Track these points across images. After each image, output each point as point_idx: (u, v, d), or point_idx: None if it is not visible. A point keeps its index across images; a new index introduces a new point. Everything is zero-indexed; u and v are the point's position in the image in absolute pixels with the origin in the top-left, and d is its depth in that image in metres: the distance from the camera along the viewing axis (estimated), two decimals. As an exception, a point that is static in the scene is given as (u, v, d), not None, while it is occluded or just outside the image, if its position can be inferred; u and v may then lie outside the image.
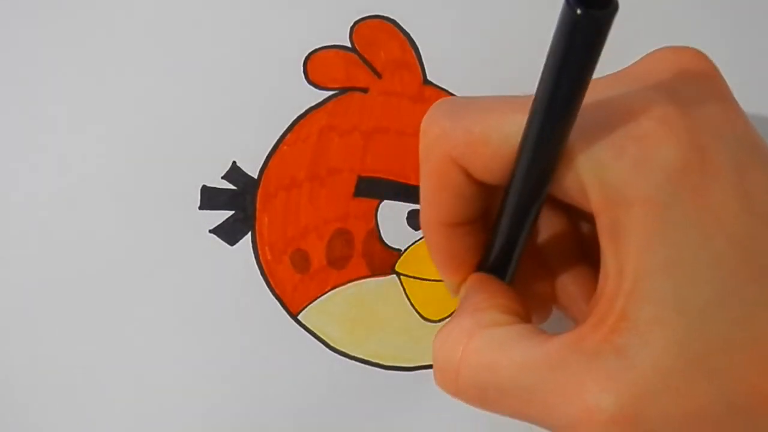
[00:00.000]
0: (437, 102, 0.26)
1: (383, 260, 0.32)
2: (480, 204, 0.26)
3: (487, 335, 0.23)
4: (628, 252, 0.21)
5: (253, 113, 0.32)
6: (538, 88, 0.22)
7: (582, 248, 0.28)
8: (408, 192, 0.32)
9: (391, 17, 0.32)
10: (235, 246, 0.32)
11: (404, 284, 0.32)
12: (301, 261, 0.32)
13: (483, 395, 0.23)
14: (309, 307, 0.32)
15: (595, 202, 0.22)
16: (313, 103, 0.32)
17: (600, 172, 0.22)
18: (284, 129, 0.32)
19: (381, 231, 0.32)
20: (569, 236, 0.29)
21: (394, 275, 0.32)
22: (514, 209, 0.24)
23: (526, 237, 0.26)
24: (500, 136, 0.23)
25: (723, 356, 0.21)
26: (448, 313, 0.32)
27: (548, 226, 0.29)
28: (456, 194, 0.25)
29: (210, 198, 0.32)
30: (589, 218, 0.23)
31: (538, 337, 0.23)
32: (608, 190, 0.22)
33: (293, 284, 0.32)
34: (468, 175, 0.25)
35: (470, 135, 0.24)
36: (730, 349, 0.21)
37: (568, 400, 0.21)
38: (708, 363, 0.21)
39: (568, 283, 0.28)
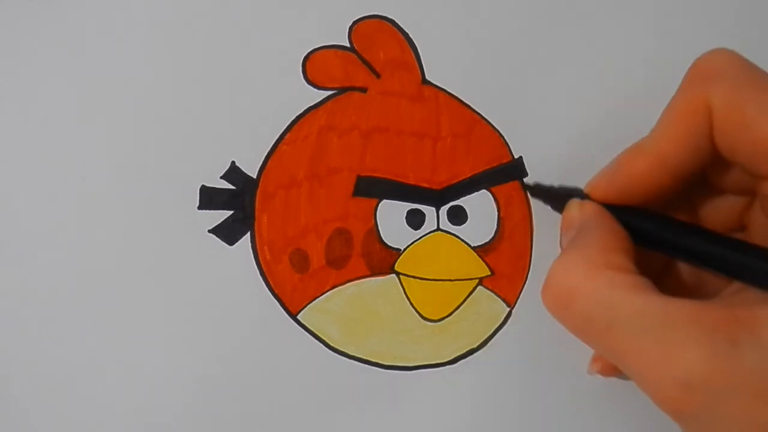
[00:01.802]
0: (727, 53, 0.26)
1: (382, 260, 0.32)
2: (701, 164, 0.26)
3: (614, 276, 0.24)
4: None
5: (252, 113, 0.32)
6: None
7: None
8: (407, 191, 0.32)
9: (390, 17, 0.32)
10: (234, 246, 0.32)
11: (404, 284, 0.32)
12: (301, 261, 0.32)
13: (587, 325, 0.24)
14: (308, 306, 0.32)
15: None
16: (312, 103, 0.32)
17: None
18: (283, 129, 0.32)
19: (380, 230, 0.32)
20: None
21: (394, 275, 0.32)
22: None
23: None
24: None
25: None
26: (448, 313, 0.32)
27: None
28: (694, 143, 0.26)
29: (209, 198, 0.32)
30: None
31: (660, 293, 0.24)
32: None
33: (292, 284, 0.32)
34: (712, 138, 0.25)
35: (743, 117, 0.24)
36: None
37: (669, 355, 0.22)
38: None
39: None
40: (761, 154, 0.24)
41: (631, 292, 0.24)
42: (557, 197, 0.29)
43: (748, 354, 0.22)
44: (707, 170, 0.27)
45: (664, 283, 0.28)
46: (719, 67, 0.25)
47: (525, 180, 0.32)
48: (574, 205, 0.28)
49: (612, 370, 0.30)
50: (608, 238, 0.26)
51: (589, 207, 0.28)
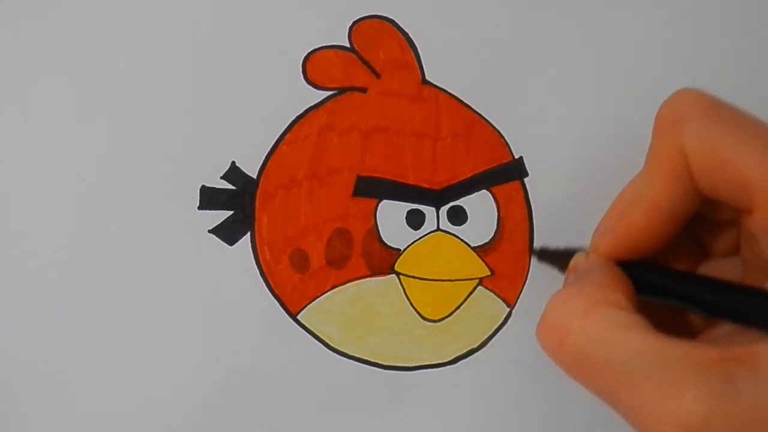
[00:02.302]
0: (691, 94, 0.26)
1: (382, 260, 0.32)
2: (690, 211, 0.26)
3: (611, 312, 0.24)
4: None
5: (252, 113, 0.32)
6: None
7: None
8: (407, 191, 0.32)
9: (390, 17, 0.32)
10: (234, 246, 0.32)
11: (404, 284, 0.32)
12: (301, 261, 0.32)
13: (582, 363, 0.24)
14: (308, 306, 0.32)
15: None
16: (312, 103, 0.32)
17: None
18: (283, 129, 0.32)
19: (380, 230, 0.32)
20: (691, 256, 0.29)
21: (394, 275, 0.32)
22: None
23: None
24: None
25: None
26: (448, 313, 0.32)
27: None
28: (682, 188, 0.26)
29: (209, 198, 0.32)
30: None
31: (657, 333, 0.23)
32: None
33: (293, 284, 0.32)
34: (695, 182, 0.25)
35: (717, 159, 0.24)
36: None
37: (665, 395, 0.22)
38: None
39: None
40: (740, 192, 0.24)
41: (627, 331, 0.23)
42: (564, 258, 0.29)
43: (747, 392, 0.21)
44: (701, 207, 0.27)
45: (662, 321, 0.28)
46: (686, 111, 0.25)
47: (533, 246, 0.32)
48: (580, 256, 0.28)
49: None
50: (607, 277, 0.26)
51: (594, 256, 0.28)
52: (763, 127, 0.25)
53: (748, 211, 0.25)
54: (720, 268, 0.28)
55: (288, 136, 0.32)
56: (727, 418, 0.21)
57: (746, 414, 0.21)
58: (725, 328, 0.25)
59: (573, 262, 0.28)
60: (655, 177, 0.26)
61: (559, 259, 0.30)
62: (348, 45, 0.32)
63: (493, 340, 0.32)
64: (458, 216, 0.32)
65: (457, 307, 0.32)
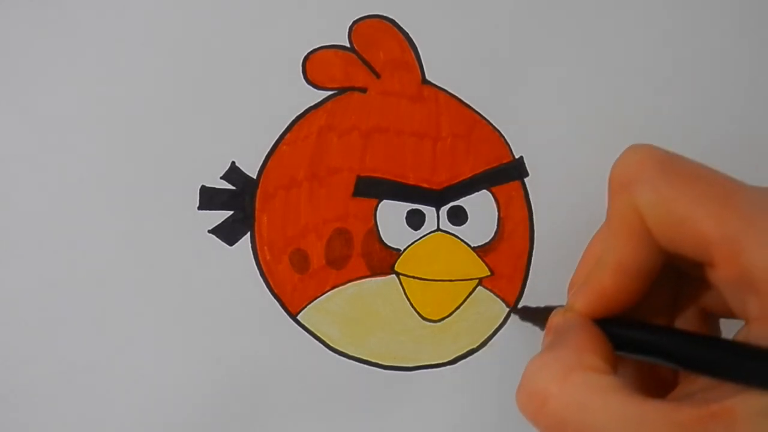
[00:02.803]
0: (642, 152, 0.26)
1: (382, 260, 0.32)
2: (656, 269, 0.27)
3: (588, 377, 0.24)
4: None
5: (252, 113, 0.32)
6: None
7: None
8: (407, 192, 0.32)
9: (390, 17, 0.32)
10: (234, 246, 0.32)
11: (404, 284, 0.32)
12: (301, 261, 0.32)
13: (562, 428, 0.24)
14: (308, 306, 0.32)
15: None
16: (312, 103, 0.32)
17: None
18: (283, 129, 0.32)
19: (380, 231, 0.32)
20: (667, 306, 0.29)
21: (394, 275, 0.32)
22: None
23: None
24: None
25: None
26: (448, 313, 0.32)
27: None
28: (644, 246, 0.26)
29: (209, 198, 0.32)
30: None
31: (635, 394, 0.23)
32: None
33: (293, 284, 0.32)
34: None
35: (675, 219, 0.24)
36: None
37: None
38: None
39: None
40: (699, 247, 0.24)
41: (605, 395, 0.23)
42: (545, 315, 0.29)
43: None
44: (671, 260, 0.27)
45: (640, 372, 0.28)
46: (637, 172, 0.25)
47: (515, 307, 0.32)
48: (558, 313, 0.28)
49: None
50: (584, 338, 0.26)
51: (570, 315, 0.28)
52: (719, 179, 0.25)
53: (709, 265, 0.25)
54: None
55: (288, 136, 0.32)
56: None
57: None
58: (702, 381, 0.25)
59: (550, 320, 0.28)
60: (617, 237, 0.26)
61: (541, 315, 0.30)
62: (348, 45, 0.32)
63: (492, 340, 0.32)
64: (458, 216, 0.32)
65: (457, 308, 0.32)
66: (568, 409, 0.24)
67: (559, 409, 0.24)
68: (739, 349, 0.24)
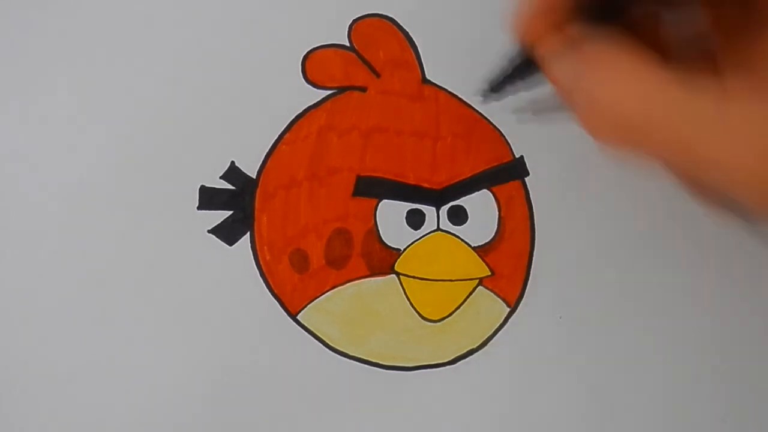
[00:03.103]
0: None
1: (382, 260, 0.32)
2: None
3: (654, 71, 0.23)
4: None
5: (252, 113, 0.32)
6: None
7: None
8: (407, 191, 0.32)
9: (390, 16, 0.32)
10: (234, 246, 0.32)
11: (403, 284, 0.32)
12: (300, 261, 0.32)
13: (634, 128, 0.23)
14: (308, 306, 0.32)
15: None
16: (311, 103, 0.32)
17: None
18: (283, 128, 0.32)
19: (380, 230, 0.32)
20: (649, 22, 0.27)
21: (394, 275, 0.32)
22: None
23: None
24: None
25: None
26: (448, 313, 0.32)
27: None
28: None
29: (209, 198, 0.31)
30: None
31: (698, 83, 0.23)
32: None
33: (292, 284, 0.32)
34: None
35: None
36: None
37: (736, 140, 0.22)
38: None
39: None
40: None
41: (674, 85, 0.23)
42: (515, 74, 0.28)
43: None
44: None
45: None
46: None
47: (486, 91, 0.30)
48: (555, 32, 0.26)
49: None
50: (616, 42, 0.24)
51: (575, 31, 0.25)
52: None
53: None
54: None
55: (287, 135, 0.32)
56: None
57: None
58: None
59: (549, 37, 0.26)
60: None
61: (514, 74, 0.28)
62: (348, 44, 0.32)
63: (493, 340, 0.32)
64: (458, 216, 0.32)
65: (457, 307, 0.32)
66: (643, 105, 0.23)
67: (630, 108, 0.23)
68: None
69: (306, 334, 0.32)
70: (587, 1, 0.25)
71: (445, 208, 0.32)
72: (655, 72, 0.23)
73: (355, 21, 0.32)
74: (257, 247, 0.32)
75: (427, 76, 0.32)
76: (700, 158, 0.23)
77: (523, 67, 0.28)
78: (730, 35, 0.25)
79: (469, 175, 0.32)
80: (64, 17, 0.31)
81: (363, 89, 0.32)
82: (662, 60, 0.24)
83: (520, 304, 0.32)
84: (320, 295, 0.32)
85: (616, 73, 0.24)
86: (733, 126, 0.22)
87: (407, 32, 0.32)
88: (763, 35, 0.23)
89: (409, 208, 0.32)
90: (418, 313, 0.32)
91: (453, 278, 0.32)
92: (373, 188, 0.32)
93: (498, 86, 0.29)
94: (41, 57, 0.31)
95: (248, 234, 0.32)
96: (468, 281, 0.32)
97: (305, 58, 0.32)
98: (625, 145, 0.24)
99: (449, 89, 0.32)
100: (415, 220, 0.32)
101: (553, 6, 0.25)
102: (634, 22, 0.27)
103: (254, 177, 0.32)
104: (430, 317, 0.32)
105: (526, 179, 0.32)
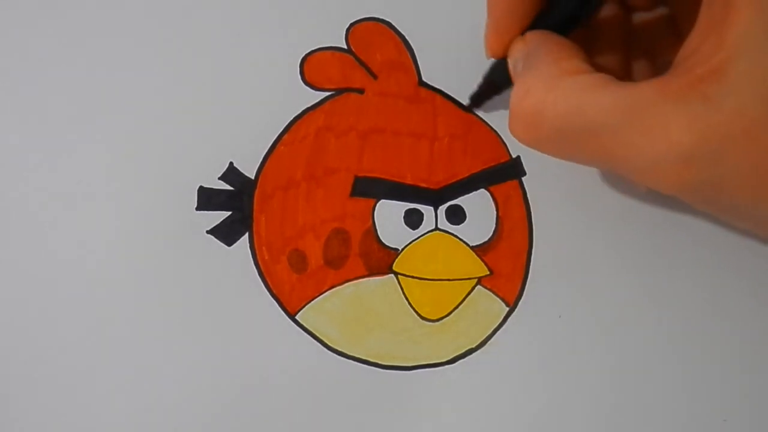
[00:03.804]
0: None
1: (380, 260, 0.32)
2: None
3: (575, 80, 0.24)
4: (735, 6, 0.22)
5: (250, 114, 0.32)
6: None
7: (624, 37, 0.30)
8: (404, 191, 0.32)
9: (387, 19, 0.33)
10: (232, 246, 0.32)
11: (402, 283, 0.32)
12: (299, 261, 0.32)
13: (564, 138, 0.24)
14: (307, 306, 0.32)
15: None
16: (309, 104, 0.32)
17: None
18: (281, 129, 0.32)
19: (378, 230, 0.32)
20: (617, 22, 0.29)
21: (392, 275, 0.32)
22: None
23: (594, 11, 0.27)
24: None
25: None
26: (447, 312, 0.32)
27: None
28: None
29: (207, 199, 0.32)
30: None
31: (622, 83, 0.24)
32: None
33: (291, 284, 0.32)
34: None
35: None
36: None
37: (653, 138, 0.22)
38: None
39: (604, 63, 0.29)
40: None
41: (595, 91, 0.24)
42: (492, 85, 0.30)
43: (726, 103, 0.22)
44: None
45: (624, 75, 0.29)
46: None
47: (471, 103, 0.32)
48: (517, 43, 0.28)
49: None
50: (554, 49, 0.26)
51: (530, 35, 0.27)
52: None
53: None
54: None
55: (286, 136, 0.32)
56: (716, 134, 0.22)
57: (733, 123, 0.22)
58: (680, 59, 0.24)
59: (510, 53, 0.28)
60: None
61: (489, 88, 0.30)
62: (345, 46, 0.32)
63: (492, 339, 0.32)
64: (457, 215, 0.32)
65: (456, 307, 0.32)
66: (565, 116, 0.24)
67: (556, 120, 0.24)
68: None
69: (304, 334, 0.31)
70: (542, 12, 0.27)
71: (443, 208, 0.32)
72: (574, 81, 0.24)
73: (352, 24, 0.32)
74: (256, 248, 0.32)
75: (424, 79, 0.33)
76: (614, 158, 0.24)
77: (496, 80, 0.30)
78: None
79: (466, 175, 0.32)
80: (63, 17, 0.32)
81: (360, 91, 0.32)
82: (596, 64, 0.26)
83: (519, 304, 0.32)
84: (319, 295, 0.32)
85: (535, 83, 0.25)
86: (645, 125, 0.23)
87: (404, 35, 0.33)
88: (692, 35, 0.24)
89: (407, 207, 0.32)
90: (417, 312, 0.32)
91: (451, 278, 0.32)
92: (370, 188, 0.32)
93: (477, 100, 0.32)
94: (41, 57, 0.32)
95: (247, 234, 0.32)
96: (466, 281, 0.32)
97: (303, 60, 0.32)
98: (551, 153, 0.26)
99: (445, 91, 0.33)
100: (413, 219, 0.32)
101: (515, 18, 0.27)
102: (600, 24, 0.28)
103: (253, 178, 0.32)
104: (428, 317, 0.32)
105: (523, 179, 0.32)
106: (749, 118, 0.22)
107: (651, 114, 0.23)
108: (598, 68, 0.26)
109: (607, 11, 0.29)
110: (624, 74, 0.30)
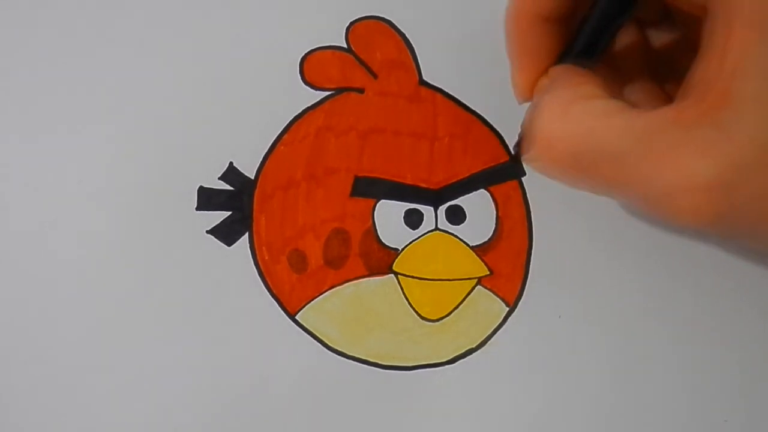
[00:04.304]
0: None
1: (380, 260, 0.32)
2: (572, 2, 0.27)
3: (588, 104, 0.24)
4: (736, 29, 0.22)
5: (250, 114, 0.32)
6: None
7: (648, 62, 0.29)
8: (404, 191, 0.32)
9: (387, 18, 0.32)
10: (232, 246, 0.32)
11: (402, 283, 0.32)
12: (299, 261, 0.32)
13: (577, 163, 0.24)
14: (307, 306, 0.32)
15: None
16: (309, 104, 0.32)
17: None
18: (281, 129, 0.32)
19: (378, 230, 0.32)
20: (638, 48, 0.29)
21: (392, 275, 0.32)
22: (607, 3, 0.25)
23: (610, 38, 0.27)
24: None
25: None
26: (447, 312, 0.32)
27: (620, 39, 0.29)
28: None
29: (207, 199, 0.32)
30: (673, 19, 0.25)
31: (636, 109, 0.23)
32: None
33: (291, 284, 0.32)
34: None
35: None
36: None
37: (666, 166, 0.22)
38: None
39: (634, 92, 0.29)
40: None
41: (607, 117, 0.23)
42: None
43: (738, 131, 0.21)
44: None
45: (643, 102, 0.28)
46: None
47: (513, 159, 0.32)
48: (541, 81, 0.28)
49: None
50: (572, 78, 0.26)
51: (550, 70, 0.27)
52: None
53: None
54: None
55: (286, 136, 0.32)
56: (730, 163, 0.21)
57: (746, 150, 0.21)
58: (689, 85, 0.24)
59: (537, 87, 0.28)
60: None
61: None
62: (345, 46, 0.32)
63: (492, 339, 0.32)
64: (457, 215, 0.32)
65: (456, 307, 0.32)
66: (576, 141, 0.24)
67: (567, 145, 0.24)
68: None
69: (305, 334, 0.31)
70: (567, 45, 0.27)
71: (443, 208, 0.32)
72: (588, 105, 0.24)
73: (352, 23, 0.32)
74: (256, 248, 0.32)
75: (424, 78, 0.32)
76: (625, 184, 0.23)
77: None
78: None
79: (466, 175, 0.32)
80: (63, 18, 0.32)
81: (360, 90, 0.32)
82: (616, 94, 0.25)
83: (519, 303, 0.32)
84: (319, 295, 0.32)
85: (550, 106, 0.25)
86: (658, 152, 0.22)
87: (404, 34, 0.32)
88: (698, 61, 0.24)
89: (407, 207, 0.32)
90: (417, 312, 0.32)
91: (451, 278, 0.32)
92: (370, 188, 0.32)
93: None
94: (41, 57, 0.32)
95: (247, 234, 0.32)
96: (466, 280, 0.32)
97: (303, 59, 0.32)
98: (565, 180, 0.26)
99: (446, 90, 0.32)
100: (413, 219, 0.32)
101: (540, 58, 0.27)
102: (622, 54, 0.28)
103: (253, 177, 0.32)
104: (428, 317, 0.32)
105: (523, 179, 0.32)
106: (760, 143, 0.21)
107: (663, 142, 0.22)
108: (631, 100, 0.26)
109: (626, 40, 0.29)
110: (660, 101, 0.29)
